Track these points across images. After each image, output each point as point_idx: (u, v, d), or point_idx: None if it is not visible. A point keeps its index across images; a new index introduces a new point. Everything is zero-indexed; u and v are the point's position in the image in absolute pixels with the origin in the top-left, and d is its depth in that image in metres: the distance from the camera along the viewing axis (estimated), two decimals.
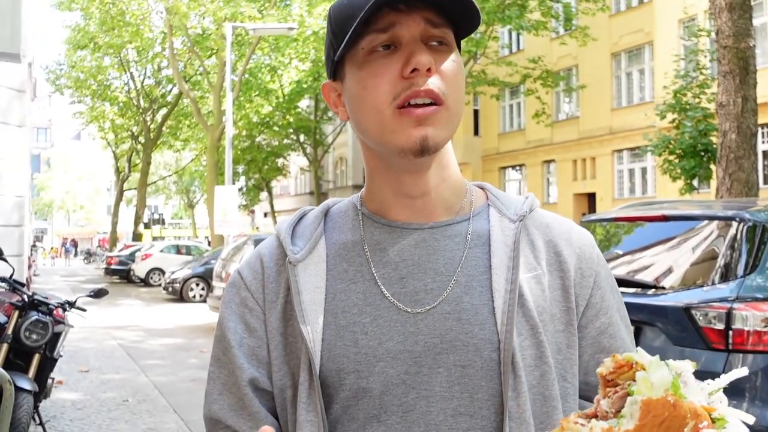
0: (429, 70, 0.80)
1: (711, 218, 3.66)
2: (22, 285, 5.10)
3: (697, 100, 13.65)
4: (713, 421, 0.60)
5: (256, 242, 12.58)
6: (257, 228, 41.40)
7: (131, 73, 31.03)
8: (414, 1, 0.81)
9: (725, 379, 0.64)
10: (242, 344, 0.88)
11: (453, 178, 0.90)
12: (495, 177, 28.09)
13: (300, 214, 0.95)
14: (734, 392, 3.06)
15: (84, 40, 27.60)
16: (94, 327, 11.30)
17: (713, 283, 3.35)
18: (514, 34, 25.86)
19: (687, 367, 0.63)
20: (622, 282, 3.89)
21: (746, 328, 3.07)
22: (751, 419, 0.62)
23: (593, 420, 0.62)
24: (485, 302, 0.84)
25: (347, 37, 0.81)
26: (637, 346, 2.86)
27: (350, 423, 0.83)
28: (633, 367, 0.63)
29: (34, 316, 4.74)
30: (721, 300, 3.19)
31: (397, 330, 0.83)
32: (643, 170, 22.22)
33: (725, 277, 3.33)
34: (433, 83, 0.81)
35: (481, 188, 0.95)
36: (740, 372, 0.66)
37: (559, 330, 0.86)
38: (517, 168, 27.76)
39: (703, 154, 12.94)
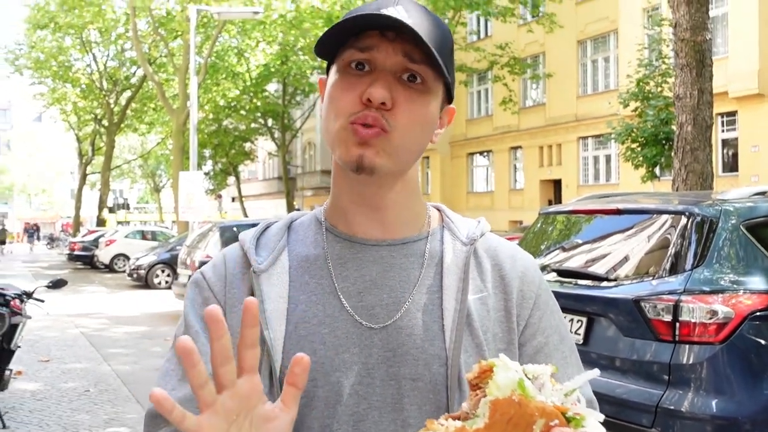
0: (383, 104, 0.84)
1: (662, 212, 3.76)
2: None
3: (659, 89, 13.89)
4: (568, 420, 0.65)
5: (222, 229, 12.50)
6: (225, 213, 41.04)
7: (93, 54, 30.34)
8: (402, 32, 0.83)
9: (579, 380, 0.69)
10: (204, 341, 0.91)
11: (412, 198, 0.94)
12: (462, 163, 28.26)
13: (264, 226, 0.98)
14: (681, 382, 3.17)
15: (44, 19, 26.87)
16: (57, 315, 11.14)
17: (662, 276, 3.45)
18: (482, 20, 25.91)
19: (545, 370, 0.69)
20: (578, 274, 3.98)
21: (693, 320, 3.17)
22: (601, 417, 0.67)
23: (450, 420, 0.67)
24: (435, 320, 0.89)
25: (328, 39, 0.85)
26: (588, 337, 2.94)
27: (305, 431, 0.86)
28: (492, 372, 0.68)
29: None
30: (670, 292, 3.28)
31: (353, 342, 0.88)
32: (608, 157, 22.56)
33: (674, 270, 3.42)
34: (384, 117, 0.84)
35: (438, 209, 1.00)
36: (592, 373, 0.71)
37: (501, 349, 0.91)
38: (485, 154, 27.95)
39: (664, 142, 13.19)
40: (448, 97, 0.93)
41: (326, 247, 0.93)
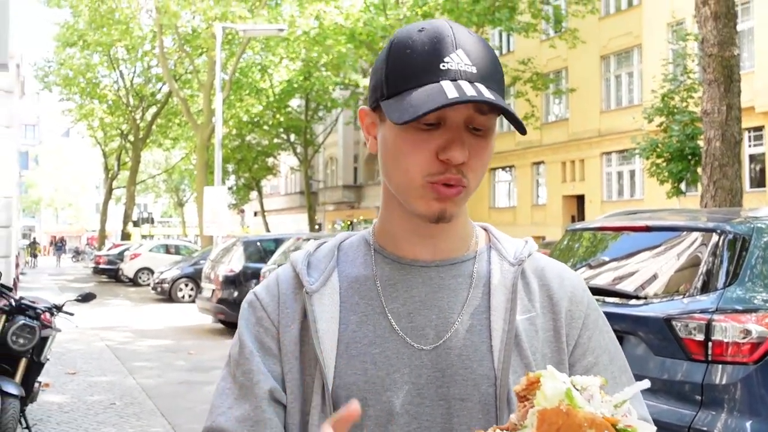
0: (462, 163, 0.85)
1: (692, 229, 3.71)
2: (9, 289, 5.10)
3: (684, 103, 13.77)
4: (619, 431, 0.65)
5: (245, 244, 12.58)
6: (248, 227, 41.31)
7: (120, 71, 30.90)
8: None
9: (629, 392, 0.69)
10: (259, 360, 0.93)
11: (461, 222, 0.96)
12: (485, 178, 28.08)
13: (314, 246, 1.00)
14: (714, 403, 3.11)
15: (73, 37, 27.47)
16: (82, 328, 11.27)
17: (694, 294, 3.40)
18: (504, 35, 25.96)
19: (594, 382, 0.68)
20: (606, 292, 3.94)
21: (725, 340, 3.12)
22: (653, 428, 0.67)
23: (498, 431, 0.67)
24: (484, 340, 0.90)
25: (404, 122, 0.82)
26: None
27: None
28: (540, 383, 0.68)
29: (21, 320, 4.74)
30: (702, 311, 3.23)
31: (404, 362, 0.89)
32: (632, 173, 22.37)
33: (706, 289, 3.38)
34: (462, 172, 0.86)
35: (485, 229, 1.02)
36: (643, 384, 0.70)
37: None
38: (507, 169, 27.87)
39: (690, 157, 13.05)
40: None
41: (375, 269, 0.95)
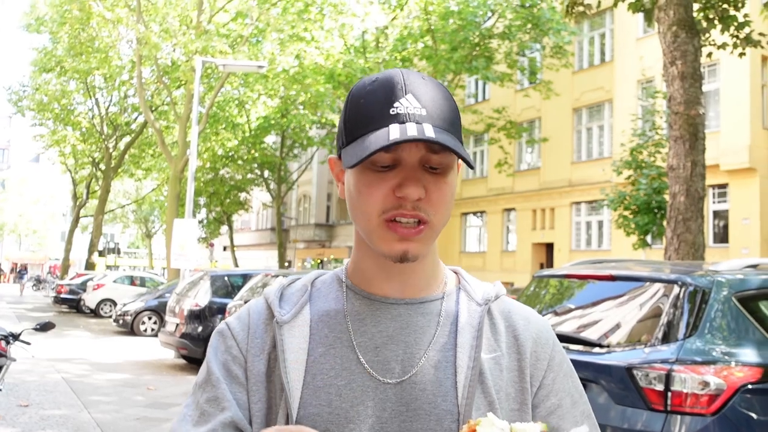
0: (419, 199, 0.88)
1: (655, 280, 3.78)
2: None
3: (652, 158, 14.13)
4: None
5: (213, 278, 12.42)
6: (216, 261, 40.83)
7: (96, 99, 30.74)
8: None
9: None
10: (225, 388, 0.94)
11: (430, 262, 0.98)
12: (456, 222, 28.39)
13: (288, 282, 1.03)
14: None
15: (50, 63, 27.35)
16: (38, 359, 10.94)
17: (655, 344, 3.45)
18: (480, 83, 26.50)
19: (534, 428, 0.69)
20: (570, 339, 3.97)
21: (684, 390, 3.16)
22: None
23: None
24: (449, 376, 0.92)
25: (354, 164, 0.86)
26: None
27: None
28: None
29: None
30: (662, 361, 3.28)
31: (369, 395, 0.90)
32: (600, 223, 22.73)
33: (666, 339, 3.43)
34: (419, 207, 0.88)
35: (455, 272, 1.04)
36: (582, 430, 0.72)
37: (514, 408, 0.93)
38: (478, 214, 28.12)
39: (656, 211, 13.34)
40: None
41: (346, 304, 0.97)
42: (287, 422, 0.89)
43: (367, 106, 0.90)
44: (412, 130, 0.85)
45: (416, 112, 0.87)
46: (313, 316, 0.96)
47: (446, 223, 0.94)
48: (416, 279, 0.97)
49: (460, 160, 0.99)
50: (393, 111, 0.87)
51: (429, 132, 0.85)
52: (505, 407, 0.92)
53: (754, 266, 3.87)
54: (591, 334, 3.83)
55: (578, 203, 23.37)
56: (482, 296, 0.99)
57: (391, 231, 0.89)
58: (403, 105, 0.88)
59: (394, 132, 0.85)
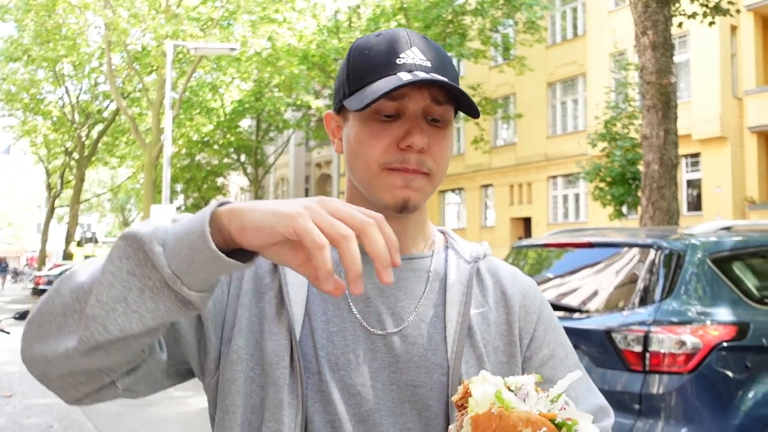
0: (422, 149, 0.89)
1: (632, 245, 3.86)
2: None
3: (626, 130, 14.27)
4: (559, 426, 0.66)
5: None
6: None
7: (66, 88, 30.15)
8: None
9: (562, 384, 0.70)
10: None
11: (420, 221, 1.00)
12: (435, 200, 28.47)
13: None
14: (651, 412, 3.22)
15: (17, 52, 26.69)
16: (18, 349, 10.84)
17: (633, 308, 3.53)
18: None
19: (528, 380, 0.70)
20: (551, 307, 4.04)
21: (662, 351, 3.25)
22: (590, 417, 0.68)
23: None
24: (438, 331, 0.93)
25: (363, 106, 0.86)
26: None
27: (309, 425, 0.88)
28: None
29: None
30: (639, 324, 3.36)
31: (359, 345, 0.91)
32: (576, 196, 22.95)
33: (644, 302, 3.51)
34: (423, 161, 0.90)
35: (443, 232, 1.06)
36: (575, 375, 0.72)
37: (502, 361, 0.95)
38: (457, 191, 28.23)
39: (631, 182, 13.50)
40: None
41: (338, 256, 0.98)
42: (291, 352, 0.89)
43: (373, 57, 0.91)
44: (423, 76, 0.87)
45: (422, 63, 0.89)
46: None
47: (442, 180, 0.96)
48: (407, 237, 0.98)
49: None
50: (400, 61, 0.89)
51: (439, 78, 0.87)
52: (493, 360, 0.94)
53: (728, 228, 3.96)
54: (571, 301, 3.91)
55: (555, 177, 23.55)
56: (471, 254, 1.01)
57: (390, 177, 0.90)
58: (409, 56, 0.90)
59: (405, 77, 0.86)
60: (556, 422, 0.66)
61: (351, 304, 0.94)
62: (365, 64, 0.91)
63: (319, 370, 0.89)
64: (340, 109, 0.96)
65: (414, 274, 0.97)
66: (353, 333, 0.92)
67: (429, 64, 0.90)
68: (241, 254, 0.74)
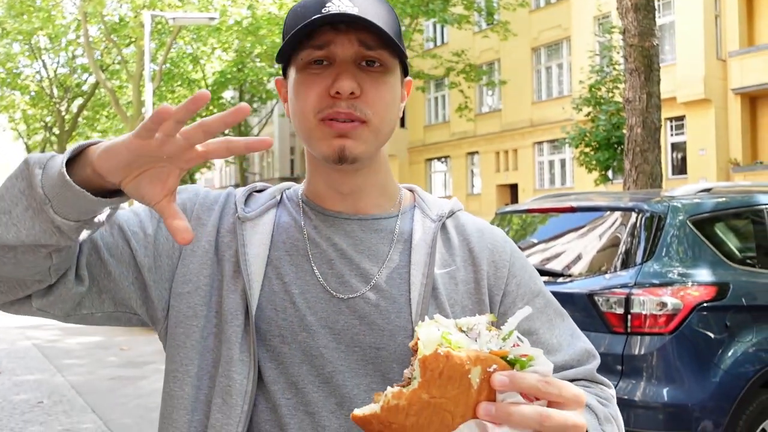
0: (352, 93, 0.87)
1: (614, 209, 3.88)
2: None
3: (610, 94, 14.25)
4: (512, 363, 0.66)
5: None
6: None
7: (43, 61, 29.59)
8: (352, 22, 0.86)
9: (513, 322, 0.70)
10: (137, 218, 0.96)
11: (383, 182, 0.98)
12: (421, 168, 28.45)
13: (255, 187, 1.03)
14: (633, 372, 3.28)
15: None
16: (7, 327, 10.82)
17: (615, 271, 3.56)
18: (438, 27, 26.20)
19: (480, 320, 0.70)
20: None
21: (643, 312, 3.29)
22: (540, 351, 0.68)
23: (388, 387, 0.68)
24: (402, 293, 0.92)
25: (283, 47, 0.88)
26: None
27: (272, 386, 0.89)
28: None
29: None
30: (621, 286, 3.40)
31: (321, 307, 0.90)
32: (562, 162, 23.01)
33: (625, 265, 3.54)
34: (355, 106, 0.87)
35: (411, 190, 1.04)
36: (525, 311, 0.71)
37: None
38: (443, 160, 28.20)
39: (616, 146, 13.54)
40: (404, 71, 0.97)
41: (303, 217, 0.97)
42: (246, 314, 0.89)
43: (299, 11, 0.90)
44: (341, 8, 0.86)
45: (347, 10, 0.87)
46: (276, 222, 0.96)
47: (392, 128, 0.93)
48: (368, 197, 0.97)
49: (407, 82, 0.99)
50: (325, 10, 0.87)
51: (361, 14, 0.85)
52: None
53: (708, 190, 3.98)
54: (555, 266, 3.94)
55: (540, 143, 23.57)
56: (437, 213, 0.99)
57: (326, 127, 0.88)
58: (335, 4, 0.87)
59: (319, 21, 0.86)
60: (508, 359, 0.66)
61: (314, 266, 0.93)
62: (293, 21, 0.90)
63: (280, 333, 0.89)
64: (285, 73, 0.96)
65: (377, 236, 0.95)
66: (315, 295, 0.91)
67: (356, 10, 0.87)
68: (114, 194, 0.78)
